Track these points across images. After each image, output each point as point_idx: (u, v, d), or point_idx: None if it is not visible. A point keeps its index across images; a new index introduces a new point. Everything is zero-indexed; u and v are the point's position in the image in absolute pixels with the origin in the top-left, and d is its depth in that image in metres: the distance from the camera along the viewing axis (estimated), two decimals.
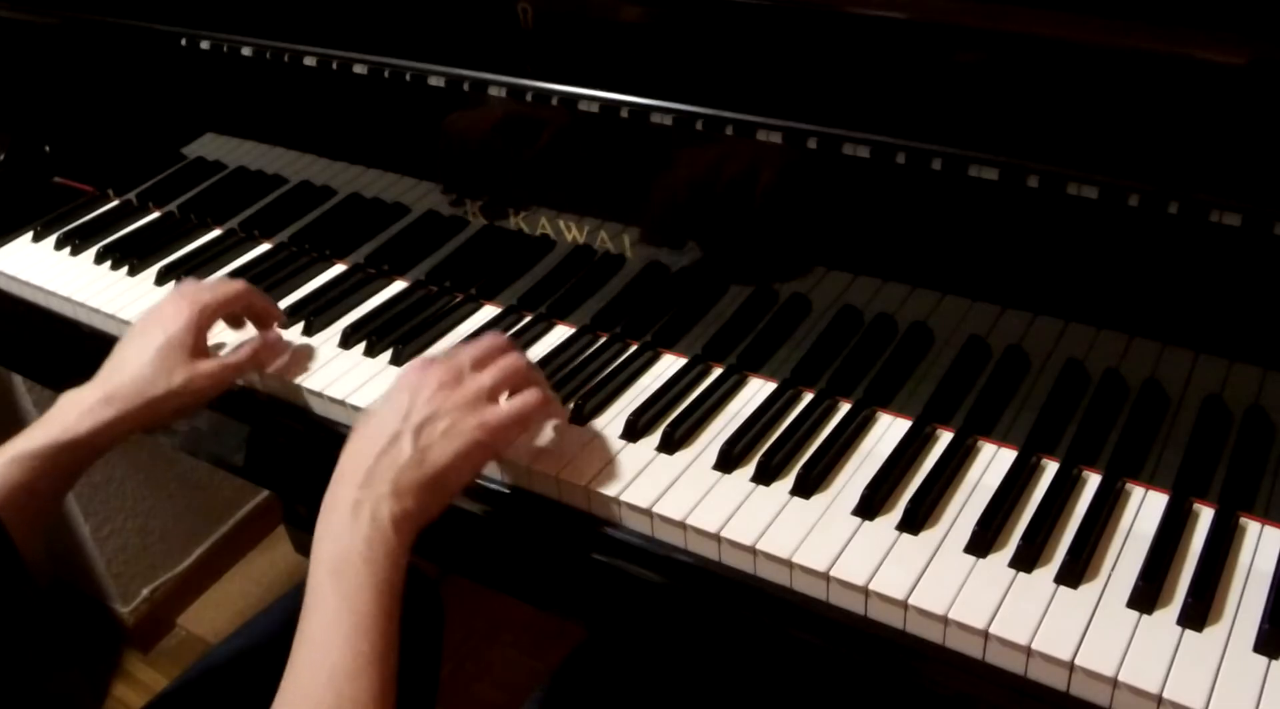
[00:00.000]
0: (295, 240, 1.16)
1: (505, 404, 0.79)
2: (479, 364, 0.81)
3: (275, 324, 0.99)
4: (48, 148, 1.33)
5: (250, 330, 1.00)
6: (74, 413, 0.86)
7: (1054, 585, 0.72)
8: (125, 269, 1.15)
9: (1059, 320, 0.77)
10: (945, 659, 0.71)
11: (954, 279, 0.80)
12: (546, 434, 0.87)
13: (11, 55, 1.26)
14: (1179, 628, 0.68)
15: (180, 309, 0.91)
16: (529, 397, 0.80)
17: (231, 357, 0.93)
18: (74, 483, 0.89)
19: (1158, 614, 0.69)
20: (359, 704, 0.66)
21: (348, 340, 1.01)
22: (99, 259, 1.17)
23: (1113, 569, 0.73)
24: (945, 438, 0.85)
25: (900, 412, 0.87)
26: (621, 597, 0.84)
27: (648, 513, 0.80)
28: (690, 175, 0.87)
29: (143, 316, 0.95)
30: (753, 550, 0.76)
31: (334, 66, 0.99)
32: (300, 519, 1.79)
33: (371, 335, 1.00)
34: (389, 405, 0.78)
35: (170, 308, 0.92)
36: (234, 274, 1.12)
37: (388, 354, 0.98)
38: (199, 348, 0.91)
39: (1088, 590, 0.71)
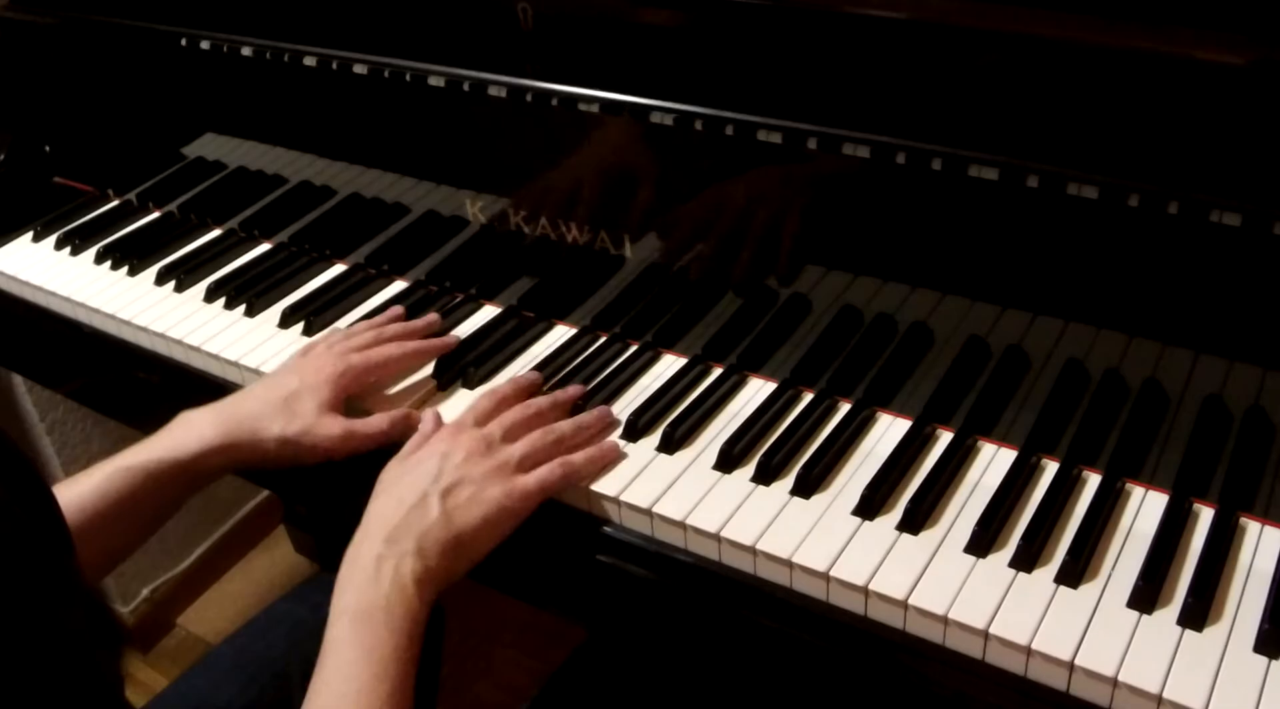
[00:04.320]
0: (295, 240, 1.16)
1: (533, 474, 0.81)
2: (510, 435, 0.83)
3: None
4: (48, 148, 1.33)
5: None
6: (182, 430, 0.86)
7: (1054, 585, 0.72)
8: (125, 269, 1.15)
9: (1059, 320, 0.77)
10: (945, 659, 0.71)
11: (954, 279, 0.80)
12: None
13: (11, 55, 1.26)
14: (1179, 628, 0.68)
15: (323, 364, 0.90)
16: (555, 469, 0.81)
17: (363, 425, 0.87)
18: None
19: (1158, 614, 0.69)
20: None
21: None
22: (99, 259, 1.17)
23: (1113, 569, 0.73)
24: (945, 438, 0.84)
25: (900, 412, 0.87)
26: (621, 597, 0.84)
27: (648, 513, 0.80)
28: (690, 175, 0.87)
29: (287, 360, 0.94)
30: (753, 550, 0.76)
31: (334, 66, 0.99)
32: (300, 519, 1.79)
33: None
34: (419, 469, 0.80)
35: (313, 361, 0.90)
36: (234, 274, 1.12)
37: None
38: (332, 405, 0.88)
39: (1088, 590, 0.71)
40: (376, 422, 0.88)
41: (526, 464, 0.81)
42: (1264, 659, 0.66)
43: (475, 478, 0.79)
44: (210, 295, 1.09)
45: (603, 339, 0.99)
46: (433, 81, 0.94)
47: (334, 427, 0.86)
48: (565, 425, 0.85)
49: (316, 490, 0.98)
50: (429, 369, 0.96)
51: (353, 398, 0.92)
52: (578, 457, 0.83)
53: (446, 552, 0.75)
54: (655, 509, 0.80)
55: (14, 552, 0.50)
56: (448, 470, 0.79)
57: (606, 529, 0.82)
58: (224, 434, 0.85)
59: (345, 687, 0.69)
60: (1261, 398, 0.73)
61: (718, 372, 0.93)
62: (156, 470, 0.83)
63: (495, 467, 0.80)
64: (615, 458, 0.84)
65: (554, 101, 0.88)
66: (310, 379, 0.88)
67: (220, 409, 0.87)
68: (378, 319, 1.00)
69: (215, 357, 1.01)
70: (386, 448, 0.90)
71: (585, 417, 0.87)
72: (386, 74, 0.96)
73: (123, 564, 0.89)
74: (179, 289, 1.11)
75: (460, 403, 0.91)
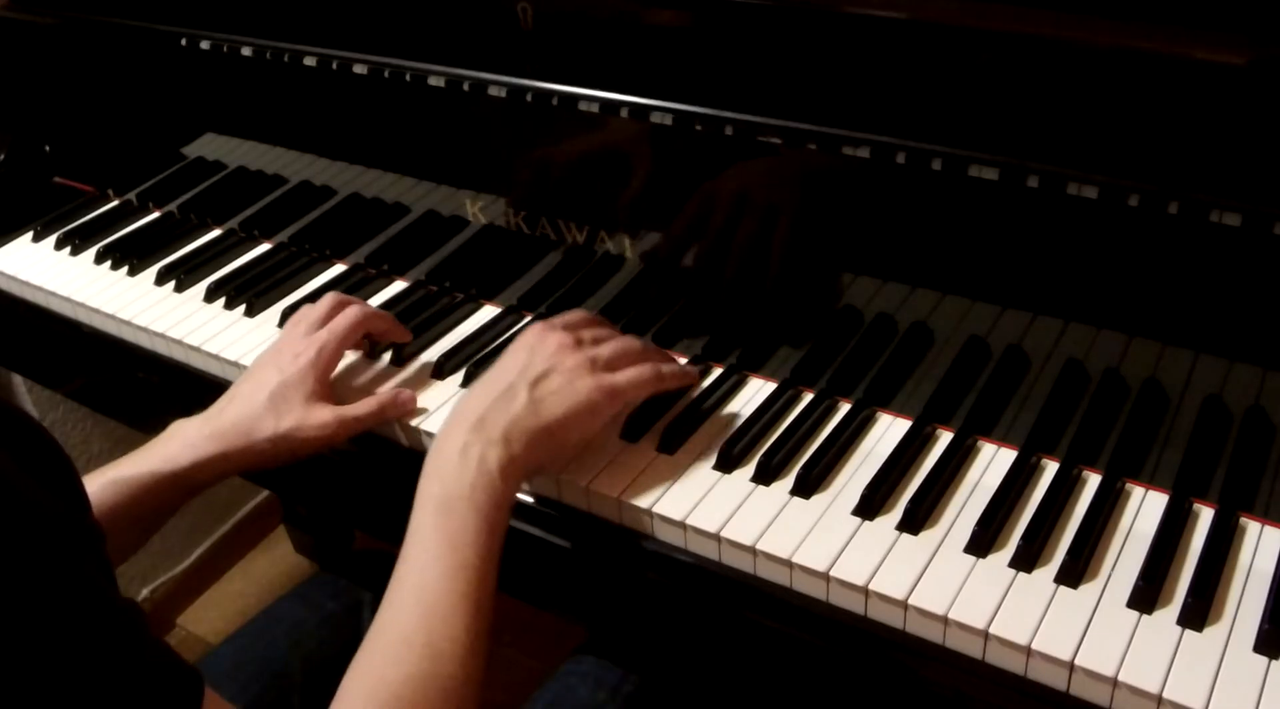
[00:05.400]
0: (295, 240, 1.16)
1: (622, 373, 0.81)
2: (598, 339, 0.84)
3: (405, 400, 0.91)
4: (48, 148, 1.33)
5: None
6: (176, 444, 0.85)
7: (1054, 585, 0.72)
8: (125, 269, 1.15)
9: (1059, 320, 0.77)
10: (945, 659, 0.71)
11: (954, 279, 0.80)
12: None
13: (11, 55, 1.26)
14: (1179, 628, 0.68)
15: (298, 352, 0.88)
16: (645, 370, 0.82)
17: (353, 409, 0.87)
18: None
19: (1158, 614, 0.69)
20: (452, 641, 0.67)
21: None
22: (99, 259, 1.17)
23: (1113, 569, 0.73)
24: (945, 438, 0.85)
25: (900, 412, 0.87)
26: (621, 596, 0.84)
27: (648, 513, 0.80)
28: (690, 175, 0.87)
29: (262, 354, 0.92)
30: (753, 550, 0.76)
31: (334, 66, 0.99)
32: (300, 519, 1.79)
33: None
34: (508, 359, 0.81)
35: (288, 349, 0.89)
36: (234, 274, 1.12)
37: (388, 354, 0.98)
38: (318, 392, 0.87)
39: (1088, 590, 0.71)
40: (367, 403, 0.88)
41: (615, 366, 0.82)
42: (1264, 659, 0.66)
43: (563, 370, 0.79)
44: (210, 295, 1.09)
45: None
46: (433, 81, 0.94)
47: (326, 415, 0.86)
48: (650, 343, 0.87)
49: (316, 490, 0.98)
50: (429, 368, 0.96)
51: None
52: (666, 367, 0.84)
53: (533, 441, 0.76)
54: (655, 509, 0.80)
55: (51, 544, 0.50)
56: (536, 362, 0.79)
57: (606, 530, 0.82)
58: (218, 445, 0.85)
59: (428, 571, 0.69)
60: (1261, 398, 0.73)
61: (718, 372, 0.93)
62: (150, 483, 0.83)
63: (584, 361, 0.80)
64: (697, 384, 0.89)
65: (554, 101, 0.88)
66: (290, 369, 0.87)
67: (211, 419, 0.86)
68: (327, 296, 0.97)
69: (215, 356, 1.01)
70: (392, 452, 0.91)
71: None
72: (386, 74, 0.96)
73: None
74: (179, 289, 1.11)
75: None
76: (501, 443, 0.75)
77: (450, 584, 0.69)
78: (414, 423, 0.90)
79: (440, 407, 0.92)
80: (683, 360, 0.95)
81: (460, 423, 0.77)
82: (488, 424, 0.76)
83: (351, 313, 0.92)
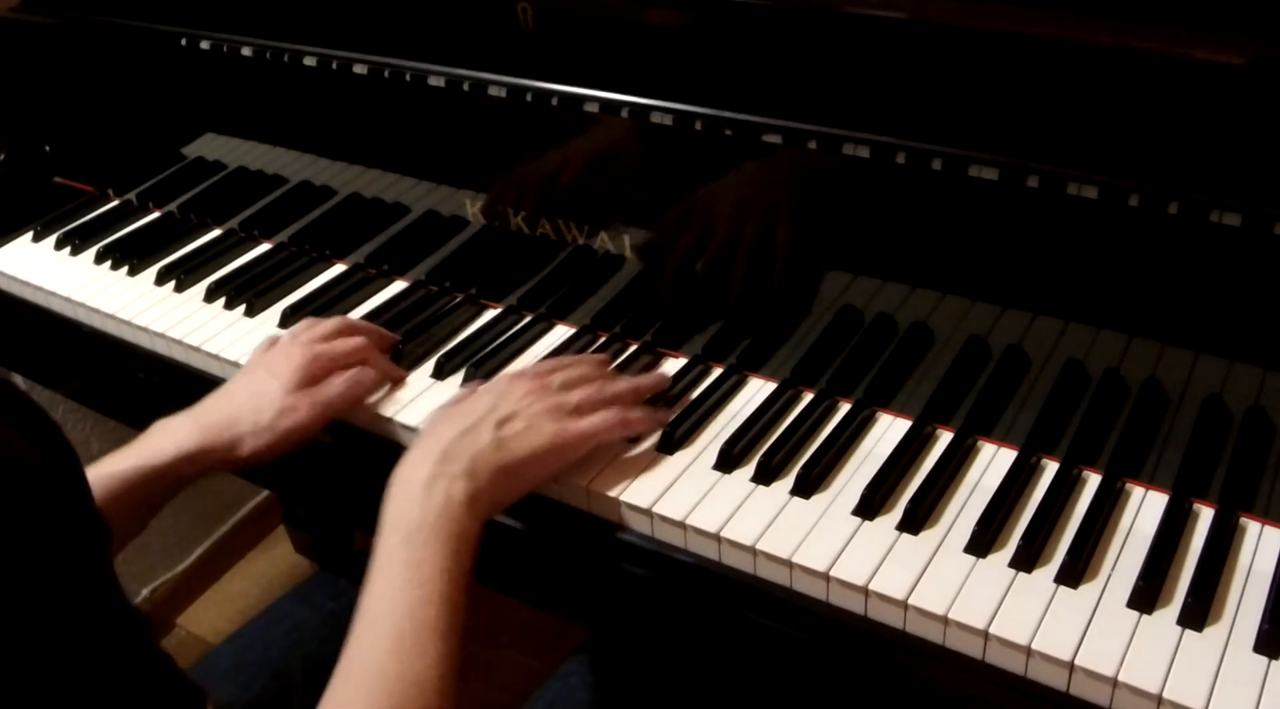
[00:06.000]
0: (295, 240, 1.16)
1: (586, 419, 0.82)
2: (568, 384, 0.84)
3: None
4: (48, 148, 1.33)
5: None
6: (161, 439, 0.86)
7: (1054, 585, 0.72)
8: (125, 269, 1.15)
9: (1059, 320, 0.77)
10: (945, 659, 0.71)
11: (954, 279, 0.80)
12: None
13: (11, 55, 1.26)
14: (1179, 628, 0.68)
15: (291, 355, 0.89)
16: (610, 416, 0.82)
17: (321, 392, 0.88)
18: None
19: (1158, 614, 0.69)
20: (421, 671, 0.67)
21: None
22: (99, 259, 1.17)
23: (1113, 569, 0.73)
24: (945, 438, 0.84)
25: (900, 412, 0.87)
26: (621, 597, 0.84)
27: (648, 513, 0.80)
28: (690, 175, 0.87)
29: (254, 355, 0.93)
30: (753, 550, 0.76)
31: (334, 66, 0.99)
32: (300, 519, 1.79)
33: None
34: (474, 401, 0.82)
35: (282, 355, 0.90)
36: (234, 274, 1.12)
37: (387, 355, 0.98)
38: (297, 390, 0.88)
39: (1088, 590, 0.71)
40: (334, 379, 0.89)
41: (582, 411, 0.82)
42: (1264, 659, 0.66)
43: (530, 413, 0.80)
44: (210, 295, 1.09)
45: (602, 339, 0.99)
46: (433, 81, 0.94)
47: (299, 403, 0.87)
48: (623, 385, 0.87)
49: (316, 490, 0.98)
50: (429, 368, 0.96)
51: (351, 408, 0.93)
52: (634, 412, 0.84)
53: (496, 476, 0.76)
54: (655, 509, 0.80)
55: (64, 536, 0.50)
56: (504, 405, 0.81)
57: (607, 529, 0.82)
58: (201, 441, 0.85)
59: (396, 601, 0.70)
60: (1261, 398, 0.73)
61: (718, 372, 0.93)
62: (135, 478, 0.83)
63: (551, 406, 0.81)
64: (664, 426, 0.86)
65: (554, 101, 0.88)
66: (279, 369, 0.88)
67: (196, 415, 0.87)
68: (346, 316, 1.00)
69: (215, 356, 1.01)
70: (392, 453, 0.91)
71: (644, 379, 0.90)
72: (386, 74, 0.96)
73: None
74: (179, 289, 1.11)
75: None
76: (466, 476, 0.75)
77: (419, 615, 0.69)
78: (413, 423, 0.90)
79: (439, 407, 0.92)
80: (682, 360, 0.95)
81: (425, 455, 0.77)
82: (452, 456, 0.76)
83: (357, 341, 0.93)
